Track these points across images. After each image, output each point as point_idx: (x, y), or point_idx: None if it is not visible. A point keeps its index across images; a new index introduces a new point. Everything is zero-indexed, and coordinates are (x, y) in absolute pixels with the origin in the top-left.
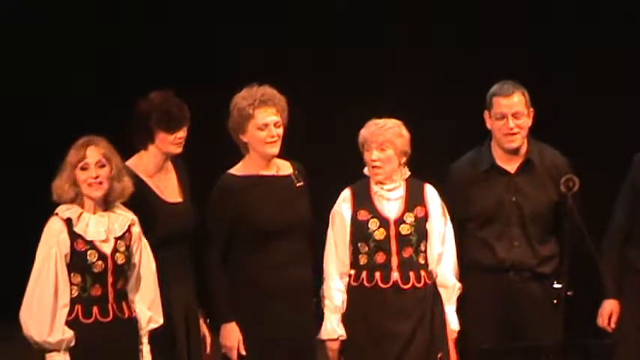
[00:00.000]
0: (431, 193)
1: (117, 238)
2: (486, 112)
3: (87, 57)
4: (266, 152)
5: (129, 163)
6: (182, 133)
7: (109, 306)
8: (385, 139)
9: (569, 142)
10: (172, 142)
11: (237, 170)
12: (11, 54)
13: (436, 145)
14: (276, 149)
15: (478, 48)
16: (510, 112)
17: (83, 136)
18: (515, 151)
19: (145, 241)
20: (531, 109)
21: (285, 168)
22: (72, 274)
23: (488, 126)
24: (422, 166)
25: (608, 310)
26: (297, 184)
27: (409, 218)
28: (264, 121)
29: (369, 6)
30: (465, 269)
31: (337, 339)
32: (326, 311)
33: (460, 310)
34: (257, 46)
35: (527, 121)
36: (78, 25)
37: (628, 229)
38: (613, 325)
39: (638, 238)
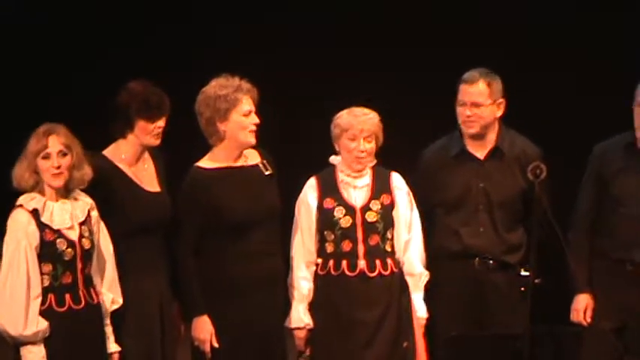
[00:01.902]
0: (397, 181)
1: (80, 224)
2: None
3: (88, 57)
4: (247, 140)
5: (106, 152)
6: (161, 123)
7: (80, 292)
8: (373, 131)
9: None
10: (151, 131)
11: (205, 163)
12: (11, 54)
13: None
14: (254, 138)
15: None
16: (470, 100)
17: (43, 125)
18: (480, 138)
19: (102, 224)
20: (501, 100)
21: (252, 157)
22: (42, 264)
23: (457, 109)
24: (396, 155)
25: (583, 305)
26: (266, 173)
27: (375, 206)
28: (250, 107)
29: None
30: (433, 256)
31: (304, 327)
32: (293, 300)
33: (429, 298)
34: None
35: (490, 111)
36: (78, 26)
37: (593, 220)
38: (589, 320)
39: (607, 228)
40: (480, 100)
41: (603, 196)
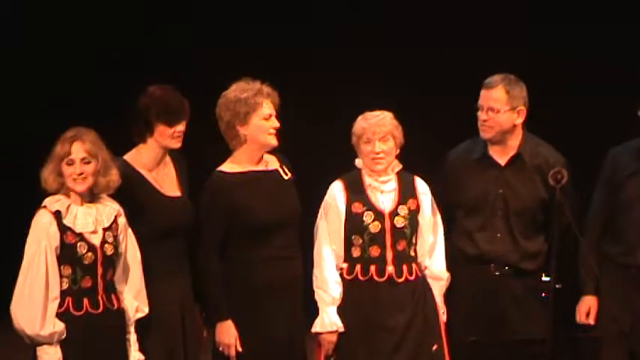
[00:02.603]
0: (421, 185)
1: (105, 229)
2: None
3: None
4: (268, 143)
5: (127, 156)
6: (181, 127)
7: (99, 297)
8: (387, 130)
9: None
10: (171, 135)
11: (227, 167)
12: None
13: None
14: (276, 141)
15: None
16: (486, 105)
17: (71, 129)
18: (501, 143)
19: (130, 231)
20: (520, 107)
21: (272, 162)
22: (62, 267)
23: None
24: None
25: (586, 307)
26: (285, 178)
27: (403, 211)
28: (270, 111)
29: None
30: (452, 258)
31: (335, 331)
32: (322, 304)
33: (447, 301)
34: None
35: (507, 117)
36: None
37: (604, 224)
38: (592, 321)
39: (616, 232)
40: (496, 106)
41: (614, 201)
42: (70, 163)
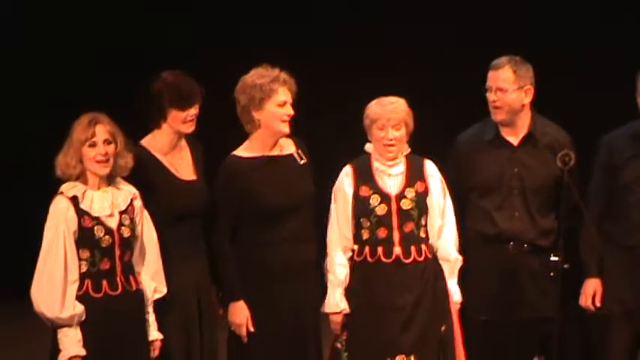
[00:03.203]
0: (431, 168)
1: (121, 212)
2: None
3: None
4: (280, 130)
5: (143, 142)
6: (194, 111)
7: (118, 279)
8: (401, 118)
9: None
10: (184, 119)
11: (242, 152)
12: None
13: (441, 122)
14: (288, 128)
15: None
16: (495, 85)
17: (86, 114)
18: (512, 124)
19: (146, 213)
20: (528, 87)
21: (288, 146)
22: (80, 250)
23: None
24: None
25: (592, 289)
26: (301, 162)
27: (410, 193)
28: (285, 98)
29: None
30: (468, 240)
31: (340, 312)
32: (329, 285)
33: (461, 282)
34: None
35: (517, 97)
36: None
37: (603, 208)
38: (598, 304)
39: (617, 215)
40: (504, 86)
41: (612, 185)
42: (93, 145)
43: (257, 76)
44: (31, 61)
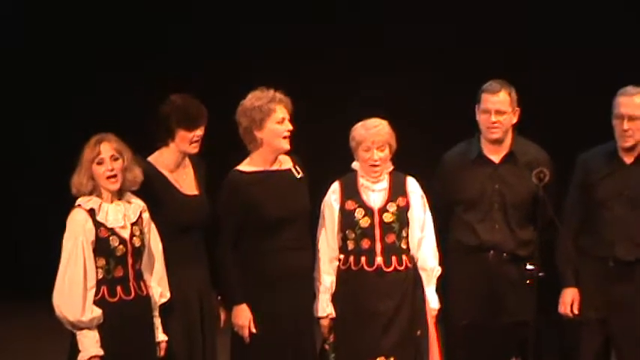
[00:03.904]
0: (412, 184)
1: (132, 224)
2: (476, 106)
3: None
4: (281, 147)
5: (151, 158)
6: (200, 132)
7: (130, 285)
8: (385, 140)
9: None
10: (191, 139)
11: (244, 167)
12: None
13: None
14: (288, 144)
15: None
16: (494, 108)
17: (94, 136)
18: (499, 143)
19: (152, 224)
20: (517, 109)
21: (286, 162)
22: (97, 259)
23: (477, 118)
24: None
25: (570, 298)
26: (298, 177)
27: (392, 207)
28: (283, 115)
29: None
30: (451, 249)
31: (327, 317)
32: (317, 292)
33: (444, 289)
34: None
35: (510, 118)
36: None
37: (579, 222)
38: (576, 312)
39: (592, 229)
40: (503, 108)
41: (588, 200)
42: (101, 162)
43: (255, 98)
44: (31, 61)
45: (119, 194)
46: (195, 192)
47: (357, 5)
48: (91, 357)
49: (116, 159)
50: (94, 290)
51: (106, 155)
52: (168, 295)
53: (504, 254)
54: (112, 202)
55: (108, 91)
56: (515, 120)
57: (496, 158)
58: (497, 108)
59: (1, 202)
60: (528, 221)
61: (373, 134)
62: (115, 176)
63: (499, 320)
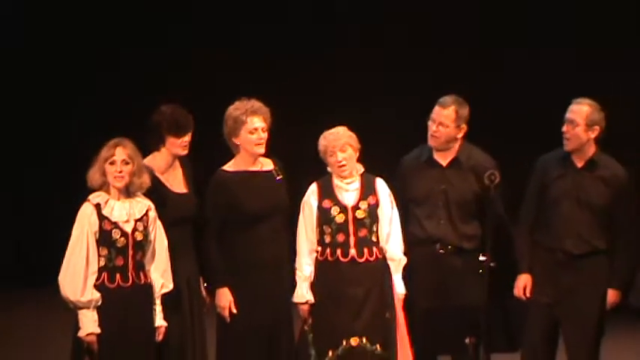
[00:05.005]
0: (381, 185)
1: (136, 220)
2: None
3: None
4: (255, 152)
5: (145, 161)
6: (187, 138)
7: (129, 274)
8: (344, 142)
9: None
10: (179, 144)
11: (228, 167)
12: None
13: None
14: (262, 149)
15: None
16: (438, 119)
17: (114, 138)
18: (445, 150)
19: (159, 222)
20: (463, 125)
21: (267, 164)
22: (100, 248)
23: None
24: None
25: (523, 283)
26: (277, 177)
27: (363, 205)
28: (254, 126)
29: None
30: (407, 241)
31: (307, 302)
32: (298, 280)
33: (406, 277)
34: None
35: (451, 131)
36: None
37: (535, 217)
38: (528, 295)
39: (545, 223)
40: (446, 122)
41: (543, 198)
42: (113, 163)
43: (234, 108)
44: (31, 61)
45: (127, 194)
46: (185, 190)
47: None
48: (89, 334)
49: (127, 163)
50: (95, 275)
51: (118, 158)
52: (170, 286)
53: (449, 246)
54: (119, 199)
55: (108, 91)
56: (460, 134)
57: (444, 162)
58: (441, 120)
59: (1, 200)
60: (470, 218)
61: (332, 140)
62: (122, 177)
63: (451, 305)
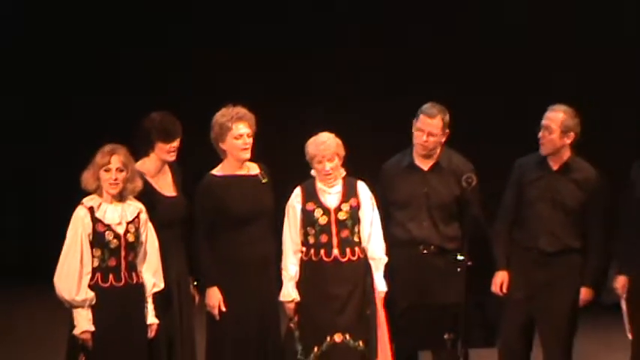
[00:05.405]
0: (362, 188)
1: (128, 222)
2: (414, 122)
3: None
4: (240, 157)
5: (136, 166)
6: (175, 144)
7: (122, 274)
8: (333, 152)
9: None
10: (168, 150)
11: (216, 171)
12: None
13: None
14: (248, 154)
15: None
16: (427, 130)
17: (108, 144)
18: (428, 155)
19: (150, 224)
20: (447, 131)
21: (253, 168)
22: (93, 249)
23: (413, 131)
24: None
25: (500, 279)
26: (263, 181)
27: (345, 207)
28: (239, 132)
29: None
30: (389, 243)
31: (292, 301)
32: (284, 280)
33: (387, 276)
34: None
35: (439, 139)
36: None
37: (513, 217)
38: (505, 291)
39: (521, 223)
40: (435, 132)
41: (520, 199)
42: (108, 170)
43: (220, 115)
44: (31, 61)
45: (120, 197)
46: (174, 193)
47: (358, 4)
48: (84, 331)
49: (121, 170)
50: (89, 276)
51: (113, 166)
52: (161, 285)
53: (432, 247)
54: (111, 202)
55: (108, 91)
56: (444, 139)
57: (425, 167)
58: (430, 130)
59: (1, 200)
60: (452, 219)
61: (322, 150)
62: (116, 184)
63: (431, 302)
